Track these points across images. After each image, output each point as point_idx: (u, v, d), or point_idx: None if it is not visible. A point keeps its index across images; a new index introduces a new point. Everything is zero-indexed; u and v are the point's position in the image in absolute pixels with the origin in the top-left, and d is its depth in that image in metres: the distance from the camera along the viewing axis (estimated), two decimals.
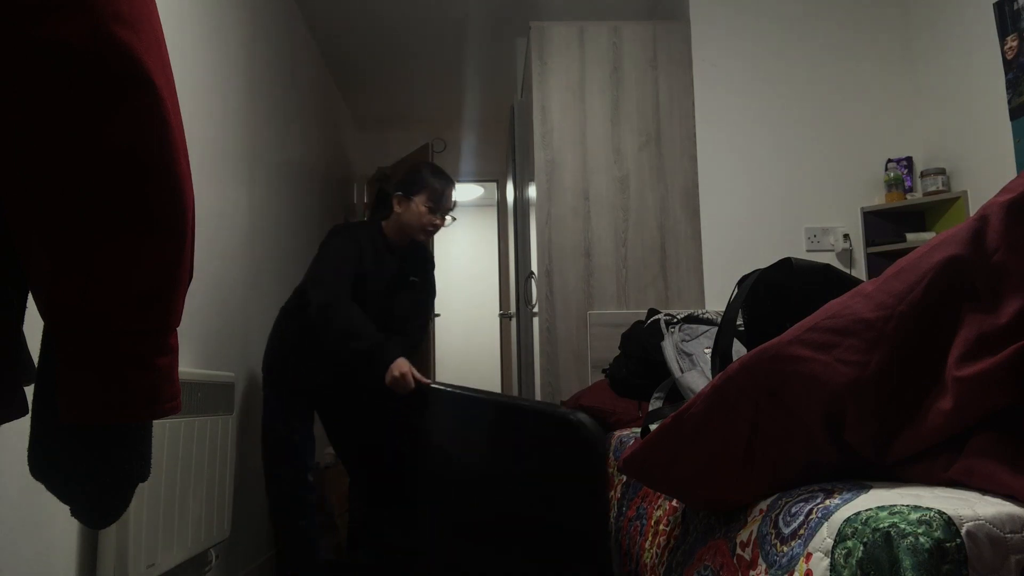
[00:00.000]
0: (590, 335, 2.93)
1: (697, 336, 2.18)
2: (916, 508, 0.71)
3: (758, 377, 0.95)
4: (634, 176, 3.06)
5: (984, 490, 0.77)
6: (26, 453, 0.65)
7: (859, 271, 3.03)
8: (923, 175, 2.95)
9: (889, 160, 3.07)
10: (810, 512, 0.84)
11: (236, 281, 2.61)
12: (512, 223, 3.94)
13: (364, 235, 2.55)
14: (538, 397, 3.04)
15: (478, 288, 6.54)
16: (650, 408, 2.01)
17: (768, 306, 1.33)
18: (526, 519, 1.87)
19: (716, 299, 2.97)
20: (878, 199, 3.07)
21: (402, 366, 2.26)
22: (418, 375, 2.28)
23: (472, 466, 2.10)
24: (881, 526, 0.70)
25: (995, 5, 2.60)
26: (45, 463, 0.64)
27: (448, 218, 2.57)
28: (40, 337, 0.65)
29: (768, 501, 0.96)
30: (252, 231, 2.81)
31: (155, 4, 0.61)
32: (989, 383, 0.77)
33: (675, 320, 2.31)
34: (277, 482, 2.49)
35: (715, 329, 2.16)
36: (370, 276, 2.49)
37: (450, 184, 2.54)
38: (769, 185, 3.08)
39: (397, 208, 2.54)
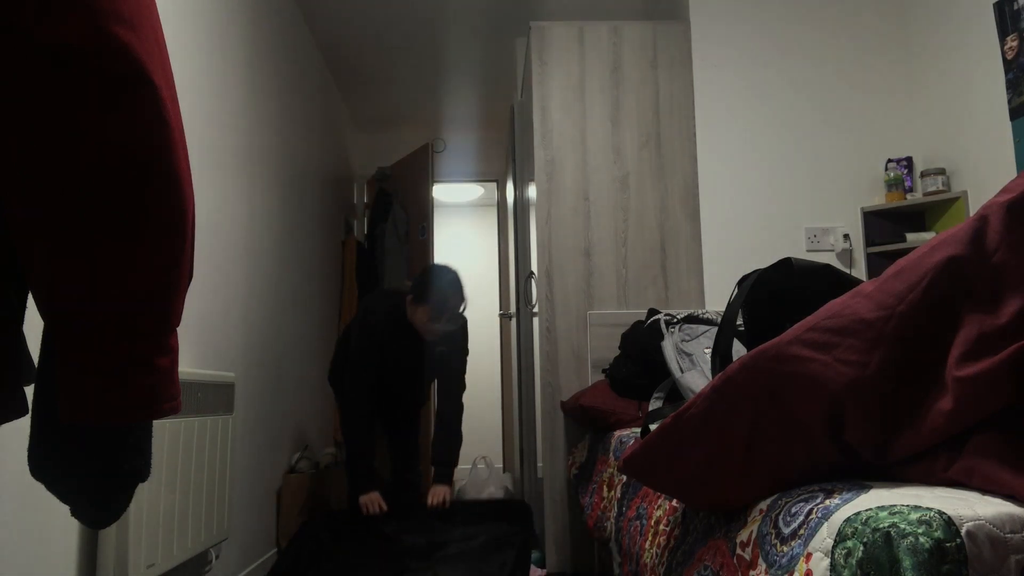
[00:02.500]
0: (590, 335, 2.93)
1: (697, 336, 2.18)
2: (916, 508, 0.71)
3: (758, 377, 0.95)
4: (634, 176, 3.06)
5: (984, 490, 0.77)
6: (26, 453, 0.65)
7: (859, 271, 3.03)
8: (923, 175, 2.95)
9: (889, 160, 3.07)
10: (810, 512, 0.84)
11: (236, 281, 2.61)
12: (512, 223, 3.94)
13: (387, 316, 2.89)
14: (538, 397, 3.04)
15: (478, 288, 6.52)
16: (650, 408, 2.01)
17: (768, 306, 1.33)
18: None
19: (716, 299, 2.97)
20: (878, 199, 3.07)
21: (370, 496, 2.75)
22: (383, 504, 2.76)
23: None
24: (881, 526, 0.70)
25: (995, 5, 2.60)
26: (45, 463, 0.64)
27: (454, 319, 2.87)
28: (40, 337, 0.65)
29: (768, 501, 0.96)
30: (252, 231, 2.81)
31: (155, 4, 0.61)
32: (989, 383, 0.77)
33: (675, 320, 2.31)
34: None
35: (715, 329, 2.16)
36: (392, 353, 2.90)
37: (452, 297, 2.80)
38: (769, 185, 3.08)
39: (408, 307, 2.85)
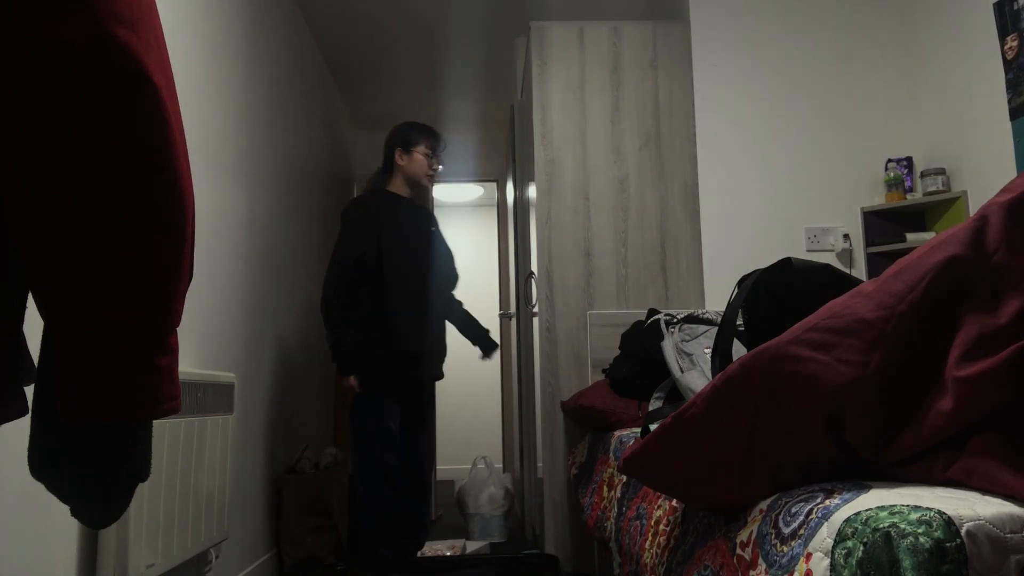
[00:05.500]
0: (590, 335, 2.93)
1: (697, 336, 2.18)
2: (916, 508, 0.71)
3: (758, 377, 0.95)
4: (634, 176, 3.06)
5: (984, 490, 0.77)
6: (26, 453, 0.65)
7: (859, 271, 3.04)
8: (923, 175, 2.95)
9: (889, 160, 3.07)
10: (810, 512, 0.84)
11: (236, 281, 2.61)
12: (512, 223, 3.95)
13: (376, 204, 2.91)
14: (538, 397, 3.04)
15: (478, 288, 6.53)
16: (650, 408, 2.01)
17: (768, 306, 1.33)
18: None
19: (716, 299, 2.97)
20: (878, 199, 3.07)
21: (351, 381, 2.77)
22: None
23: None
24: (881, 526, 0.70)
25: (995, 5, 2.60)
26: (45, 463, 0.64)
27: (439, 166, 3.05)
28: (40, 337, 0.65)
29: (768, 501, 0.96)
30: (252, 231, 2.81)
31: (155, 4, 0.61)
32: (989, 383, 0.77)
33: (675, 320, 2.31)
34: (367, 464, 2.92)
35: (715, 329, 2.16)
36: (398, 236, 2.87)
37: (437, 133, 3.04)
38: (769, 185, 3.08)
39: (400, 162, 2.96)
